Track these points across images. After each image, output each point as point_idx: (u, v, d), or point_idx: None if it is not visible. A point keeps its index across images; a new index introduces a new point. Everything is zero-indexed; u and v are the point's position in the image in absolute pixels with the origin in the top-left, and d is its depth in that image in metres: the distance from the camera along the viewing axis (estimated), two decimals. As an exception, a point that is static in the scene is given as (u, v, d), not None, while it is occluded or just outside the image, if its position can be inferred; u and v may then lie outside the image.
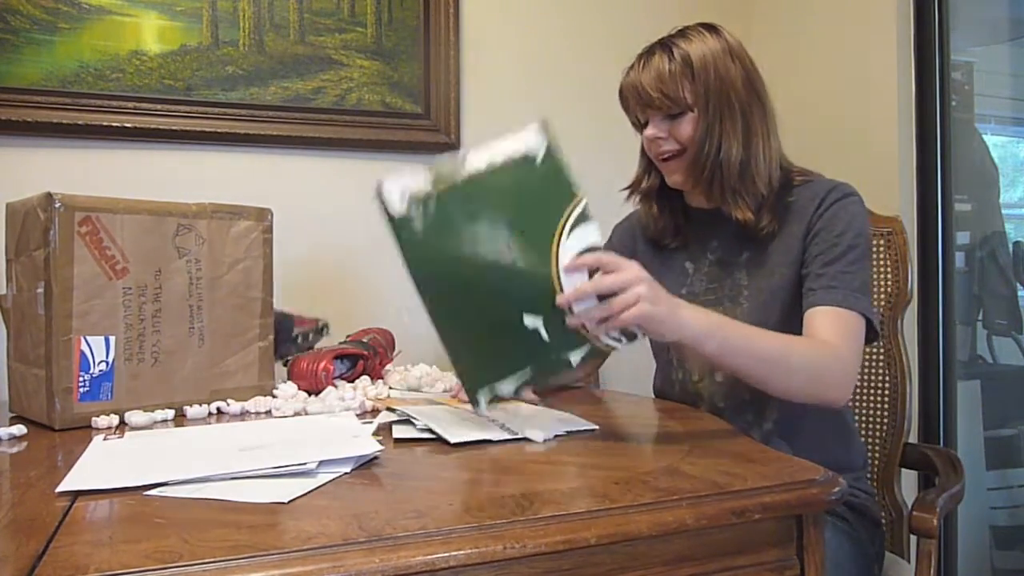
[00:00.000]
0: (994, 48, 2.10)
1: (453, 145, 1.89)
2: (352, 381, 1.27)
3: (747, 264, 1.13)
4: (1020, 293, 1.98)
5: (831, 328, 1.01)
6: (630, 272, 0.84)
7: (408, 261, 0.86)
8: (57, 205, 0.97)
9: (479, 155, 0.85)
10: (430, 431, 0.89)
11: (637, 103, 1.13)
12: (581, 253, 0.84)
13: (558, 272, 0.85)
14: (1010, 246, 2.01)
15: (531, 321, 0.85)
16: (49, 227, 0.97)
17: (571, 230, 0.85)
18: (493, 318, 0.86)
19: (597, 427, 0.95)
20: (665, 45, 1.12)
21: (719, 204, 1.13)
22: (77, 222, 0.98)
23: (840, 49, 1.92)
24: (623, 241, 1.32)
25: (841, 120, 1.90)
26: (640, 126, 1.17)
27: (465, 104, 1.92)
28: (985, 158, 2.01)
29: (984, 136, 2.02)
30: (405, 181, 0.85)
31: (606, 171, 2.07)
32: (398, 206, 0.84)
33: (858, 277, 1.04)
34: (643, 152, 1.21)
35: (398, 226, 0.84)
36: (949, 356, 1.76)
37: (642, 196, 1.23)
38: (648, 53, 1.13)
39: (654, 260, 1.24)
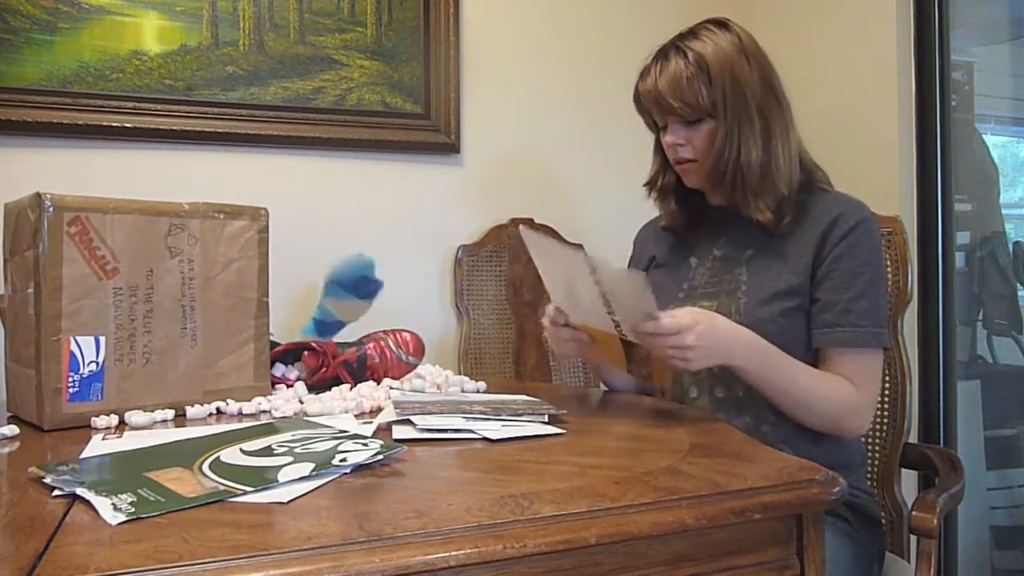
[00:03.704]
0: (994, 48, 2.10)
1: (453, 145, 1.89)
2: (319, 385, 1.24)
3: (748, 261, 1.13)
4: (1020, 293, 1.98)
5: (856, 373, 1.06)
6: (685, 317, 0.94)
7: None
8: (46, 205, 0.96)
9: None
10: (430, 430, 0.90)
11: (656, 110, 1.13)
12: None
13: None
14: (1010, 246, 2.01)
15: None
16: (38, 227, 0.95)
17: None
18: None
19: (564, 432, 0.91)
20: (679, 48, 1.11)
21: (739, 204, 1.14)
22: (66, 222, 0.97)
23: (840, 49, 1.92)
24: (643, 247, 1.34)
25: (841, 120, 1.89)
26: (656, 127, 1.18)
27: (465, 104, 1.92)
28: (985, 158, 2.01)
29: (984, 136, 2.02)
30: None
31: (605, 170, 2.08)
32: None
33: (878, 307, 1.08)
34: (656, 150, 1.22)
35: None
36: (949, 356, 1.76)
37: (659, 193, 1.24)
38: (662, 57, 1.12)
39: (666, 261, 1.26)
